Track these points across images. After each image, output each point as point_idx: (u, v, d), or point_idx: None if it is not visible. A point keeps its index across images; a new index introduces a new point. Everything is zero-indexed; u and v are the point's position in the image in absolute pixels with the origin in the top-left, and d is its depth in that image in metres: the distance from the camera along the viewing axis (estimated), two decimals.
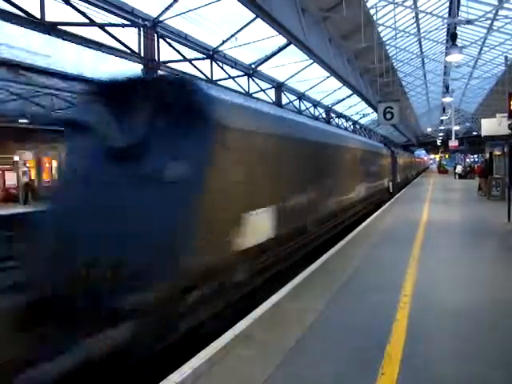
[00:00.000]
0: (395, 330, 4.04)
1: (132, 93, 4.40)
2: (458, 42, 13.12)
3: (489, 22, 15.32)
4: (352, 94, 21.11)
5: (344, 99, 23.01)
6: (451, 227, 10.37)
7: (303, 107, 19.74)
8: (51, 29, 7.33)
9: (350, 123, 29.64)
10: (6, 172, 21.21)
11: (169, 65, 10.46)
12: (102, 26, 8.46)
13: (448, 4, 16.07)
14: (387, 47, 18.11)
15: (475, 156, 57.41)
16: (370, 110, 26.20)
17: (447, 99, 25.01)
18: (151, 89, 4.44)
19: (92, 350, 3.20)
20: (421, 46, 20.24)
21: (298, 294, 5.26)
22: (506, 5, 13.51)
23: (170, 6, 9.32)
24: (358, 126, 31.60)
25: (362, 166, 13.62)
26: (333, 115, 24.93)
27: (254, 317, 4.44)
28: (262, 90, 15.17)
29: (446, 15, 16.50)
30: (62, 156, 4.54)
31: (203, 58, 11.85)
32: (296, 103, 19.09)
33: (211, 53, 11.89)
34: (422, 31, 17.75)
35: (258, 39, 12.24)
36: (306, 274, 6.13)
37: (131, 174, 4.07)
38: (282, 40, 12.46)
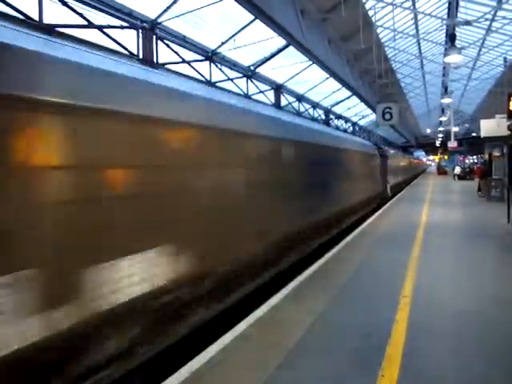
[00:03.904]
0: (395, 331, 4.03)
1: None
2: (457, 43, 13.15)
3: (487, 23, 15.32)
4: (351, 96, 21.10)
5: (343, 100, 23.01)
6: (451, 229, 10.35)
7: (302, 109, 19.73)
8: (50, 31, 7.31)
9: (350, 124, 29.63)
10: None
11: (167, 66, 10.44)
12: (100, 28, 8.45)
13: (447, 5, 16.09)
14: (386, 48, 18.12)
15: (474, 157, 57.42)
16: (369, 111, 26.21)
17: (446, 100, 25.02)
18: None
19: None
20: (420, 48, 20.26)
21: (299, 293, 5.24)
22: (504, 6, 13.52)
23: (169, 7, 9.31)
24: (357, 128, 31.59)
25: (329, 171, 10.12)
26: (332, 116, 24.92)
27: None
28: (261, 91, 15.16)
29: (445, 16, 16.52)
30: None
31: (202, 60, 11.84)
32: (295, 105, 19.09)
33: (210, 54, 11.88)
34: (420, 32, 17.77)
35: (256, 41, 12.25)
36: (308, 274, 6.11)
37: None
38: (281, 41, 12.46)
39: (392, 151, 27.94)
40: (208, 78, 11.99)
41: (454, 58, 12.35)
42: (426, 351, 3.63)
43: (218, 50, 11.96)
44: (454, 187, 26.65)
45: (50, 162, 3.03)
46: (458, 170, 34.91)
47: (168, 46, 10.28)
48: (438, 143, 54.87)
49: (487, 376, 3.22)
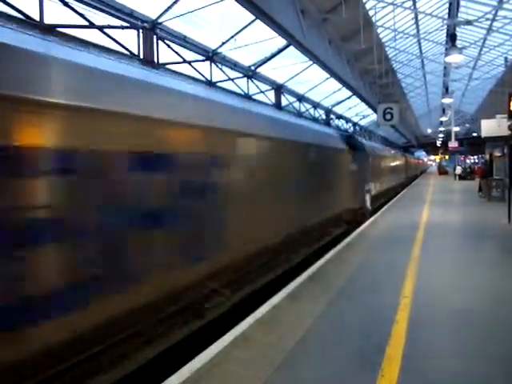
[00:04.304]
0: (395, 332, 4.03)
1: None
2: (458, 43, 13.13)
3: (488, 22, 15.32)
4: (352, 96, 21.11)
5: (344, 100, 23.02)
6: (452, 230, 10.36)
7: (303, 109, 19.74)
8: (50, 31, 7.32)
9: (350, 124, 29.64)
10: None
11: (168, 66, 10.45)
12: (101, 28, 8.46)
13: (447, 5, 16.09)
14: (387, 48, 18.11)
15: (475, 157, 57.41)
16: (369, 111, 26.20)
17: (447, 100, 25.02)
18: None
19: None
20: (420, 47, 20.26)
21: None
22: (505, 5, 13.51)
23: (169, 7, 9.32)
24: (358, 128, 31.59)
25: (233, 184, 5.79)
26: (333, 116, 24.93)
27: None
28: (261, 91, 15.17)
29: (446, 16, 16.52)
30: None
31: (203, 60, 11.85)
32: (296, 105, 19.09)
33: (210, 54, 11.89)
34: (421, 32, 17.77)
35: (257, 41, 12.26)
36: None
37: None
38: (282, 42, 12.47)
39: (376, 146, 21.79)
40: (209, 78, 12.00)
41: (454, 58, 12.35)
42: (427, 351, 3.63)
43: (219, 50, 11.96)
44: (455, 187, 26.63)
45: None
46: (459, 170, 34.86)
47: (169, 46, 10.29)
48: (438, 143, 54.89)
49: (487, 376, 3.21)
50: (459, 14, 15.44)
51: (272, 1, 9.16)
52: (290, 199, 7.94)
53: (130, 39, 9.19)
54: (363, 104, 23.56)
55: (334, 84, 18.12)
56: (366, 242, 8.71)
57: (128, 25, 8.95)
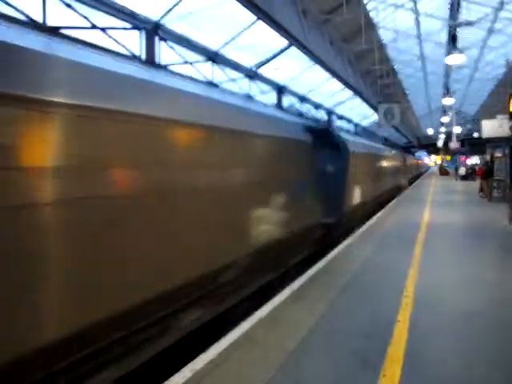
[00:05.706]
0: (396, 331, 4.05)
1: None
2: (459, 44, 13.15)
3: (489, 23, 15.33)
4: (353, 96, 21.11)
5: (345, 101, 23.02)
6: (453, 230, 10.38)
7: (305, 109, 19.74)
8: (53, 33, 7.36)
9: (352, 125, 29.62)
10: None
11: (170, 67, 10.47)
12: (103, 30, 8.49)
13: (448, 6, 16.09)
14: (388, 49, 18.13)
15: (476, 157, 57.29)
16: (371, 111, 26.20)
17: (448, 101, 24.99)
18: None
19: None
20: (421, 48, 20.26)
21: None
22: (506, 6, 13.52)
23: (171, 9, 9.35)
24: (359, 128, 31.56)
25: None
26: (334, 117, 24.94)
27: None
28: (263, 92, 15.19)
29: (447, 17, 16.52)
30: None
31: (204, 61, 11.87)
32: (297, 105, 19.10)
33: (212, 55, 11.92)
34: (422, 33, 17.78)
35: (259, 42, 12.28)
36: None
37: None
38: (283, 43, 12.49)
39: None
40: (210, 79, 12.03)
41: (455, 59, 12.36)
42: (429, 351, 3.65)
43: (220, 51, 11.99)
44: (456, 188, 26.62)
45: None
46: (463, 170, 34.82)
47: (171, 47, 10.31)
48: (439, 144, 54.79)
49: (488, 377, 3.23)
50: (460, 15, 15.44)
51: (273, 2, 9.21)
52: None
53: (132, 40, 9.22)
54: (365, 104, 23.58)
55: (336, 85, 18.15)
56: (368, 242, 8.72)
57: (130, 26, 8.99)
